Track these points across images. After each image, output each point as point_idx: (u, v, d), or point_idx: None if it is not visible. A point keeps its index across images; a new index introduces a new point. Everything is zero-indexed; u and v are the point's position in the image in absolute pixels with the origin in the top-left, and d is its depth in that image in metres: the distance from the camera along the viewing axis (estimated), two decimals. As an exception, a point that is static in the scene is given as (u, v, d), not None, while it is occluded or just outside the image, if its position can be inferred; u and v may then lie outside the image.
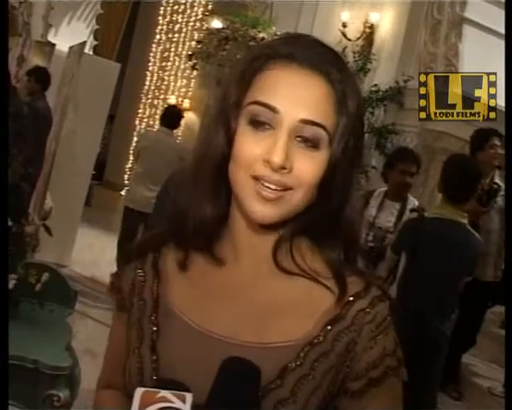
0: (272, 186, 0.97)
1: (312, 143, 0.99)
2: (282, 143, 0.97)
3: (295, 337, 1.01)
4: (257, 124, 0.99)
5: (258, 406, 0.91)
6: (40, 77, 6.70)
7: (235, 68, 1.07)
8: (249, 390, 0.90)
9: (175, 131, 6.58)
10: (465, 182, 3.89)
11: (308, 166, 0.99)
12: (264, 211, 0.99)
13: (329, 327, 1.02)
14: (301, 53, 1.01)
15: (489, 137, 4.84)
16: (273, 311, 1.03)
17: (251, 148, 0.99)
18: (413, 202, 4.67)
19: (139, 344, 1.07)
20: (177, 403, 0.86)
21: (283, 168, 0.97)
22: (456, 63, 6.93)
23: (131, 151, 8.57)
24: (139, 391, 0.87)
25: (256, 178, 0.98)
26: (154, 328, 1.06)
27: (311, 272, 1.05)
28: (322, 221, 1.05)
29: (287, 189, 0.98)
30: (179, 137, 9.05)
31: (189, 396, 0.86)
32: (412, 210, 4.43)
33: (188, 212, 1.07)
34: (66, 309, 3.12)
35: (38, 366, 2.57)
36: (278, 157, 0.96)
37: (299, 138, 0.99)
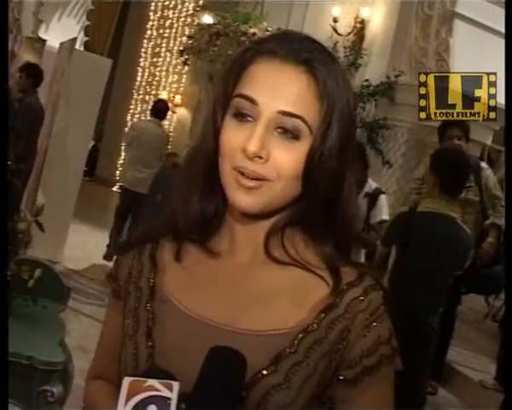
0: (248, 174, 1.00)
1: (292, 135, 1.01)
2: (259, 132, 1.00)
3: (290, 325, 1.02)
4: (240, 116, 1.02)
5: (241, 394, 0.93)
6: (32, 73, 6.69)
7: (225, 67, 1.10)
8: (234, 379, 0.91)
9: (162, 121, 7.89)
10: (459, 175, 3.91)
11: (287, 158, 1.01)
12: (244, 200, 1.01)
13: (323, 315, 1.03)
14: (284, 48, 1.04)
15: (447, 129, 4.61)
16: (267, 299, 1.05)
17: (233, 139, 1.02)
18: (370, 186, 4.66)
19: (135, 331, 1.08)
20: (164, 392, 0.87)
21: (259, 157, 1.00)
22: (447, 58, 6.94)
23: (124, 139, 9.14)
24: (127, 380, 0.88)
25: (236, 169, 1.01)
26: (150, 315, 1.08)
27: (303, 262, 1.07)
28: (314, 213, 1.06)
29: (263, 178, 1.01)
30: (171, 132, 9.89)
31: (175, 385, 0.87)
32: (367, 194, 4.43)
33: (181, 206, 1.10)
34: (59, 305, 3.13)
35: (32, 362, 2.57)
36: (253, 145, 0.99)
37: (279, 130, 1.01)
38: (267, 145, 1.00)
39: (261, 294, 1.05)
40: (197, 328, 1.04)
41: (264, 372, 0.99)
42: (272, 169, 1.00)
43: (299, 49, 1.04)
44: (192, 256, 1.11)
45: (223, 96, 1.06)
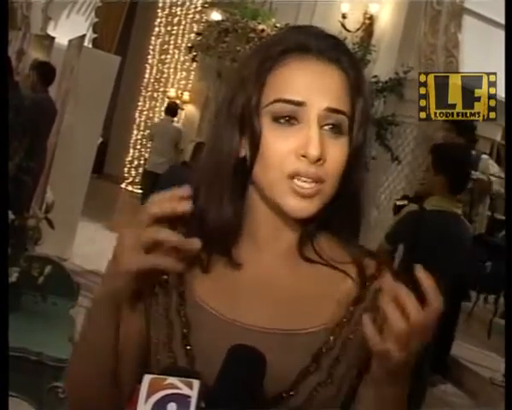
0: (309, 181, 0.99)
1: (338, 130, 1.01)
2: (316, 134, 0.98)
3: (323, 322, 1.03)
4: (283, 120, 1.00)
5: (261, 391, 0.92)
6: (44, 71, 6.68)
7: (246, 69, 1.06)
8: (253, 376, 0.91)
9: (175, 118, 10.32)
10: (467, 172, 3.90)
11: (336, 155, 1.01)
12: (301, 206, 1.00)
13: (352, 308, 1.04)
14: (314, 43, 1.02)
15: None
16: (298, 299, 1.05)
17: (282, 145, 0.99)
18: None
19: (169, 339, 1.06)
20: (185, 390, 0.86)
21: (319, 160, 0.98)
22: (457, 54, 6.92)
23: (147, 136, 11.63)
24: (147, 378, 0.87)
25: (290, 176, 0.99)
26: (184, 320, 1.05)
27: (329, 260, 1.07)
28: (344, 209, 1.07)
29: (321, 181, 1.00)
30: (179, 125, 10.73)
31: (196, 383, 0.86)
32: None
33: (207, 217, 1.06)
34: (69, 302, 3.13)
35: (42, 359, 2.58)
36: (315, 149, 0.97)
37: (326, 127, 1.01)
38: (322, 145, 0.99)
39: (291, 294, 1.05)
40: (233, 332, 1.02)
41: (309, 371, 1.00)
42: (327, 169, 1.00)
43: (328, 46, 1.03)
44: (216, 266, 1.08)
45: (255, 103, 1.02)
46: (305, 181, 0.99)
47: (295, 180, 0.99)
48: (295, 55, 1.02)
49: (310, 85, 1.00)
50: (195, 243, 0.96)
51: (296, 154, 0.99)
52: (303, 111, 0.99)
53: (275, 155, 1.00)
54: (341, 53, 1.04)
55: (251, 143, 1.03)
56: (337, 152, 1.01)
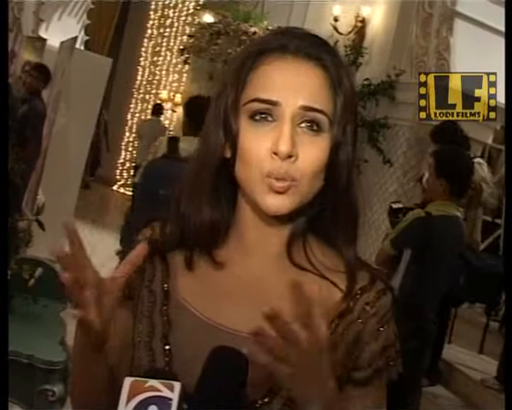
0: (281, 177, 0.98)
1: (315, 128, 1.01)
2: (287, 131, 0.98)
3: None
4: (259, 119, 1.00)
5: (244, 393, 0.92)
6: (40, 74, 6.67)
7: (229, 68, 1.08)
8: (236, 378, 0.91)
9: (161, 117, 11.49)
10: (467, 175, 3.93)
11: (313, 153, 1.00)
12: (276, 202, 0.99)
13: (336, 321, 1.03)
14: (293, 43, 1.03)
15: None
16: (282, 305, 1.03)
17: (259, 143, 1.00)
18: None
19: (150, 337, 1.06)
20: (166, 392, 0.86)
21: (290, 156, 0.98)
22: (448, 57, 6.95)
23: (135, 133, 12.51)
24: (128, 380, 0.87)
25: (269, 175, 0.99)
26: (165, 320, 1.06)
27: (320, 267, 1.06)
28: (328, 210, 1.05)
29: (294, 179, 0.99)
30: (171, 130, 10.99)
31: (177, 385, 0.87)
32: None
33: (189, 216, 1.07)
34: (60, 304, 3.12)
35: (33, 361, 2.57)
36: (285, 145, 0.97)
37: (302, 125, 1.00)
38: (295, 143, 0.99)
39: (275, 301, 1.01)
40: (214, 335, 1.01)
41: None
42: (301, 168, 0.99)
43: (307, 45, 1.03)
44: (201, 265, 1.08)
45: (232, 102, 1.03)
46: (278, 178, 0.98)
47: (270, 179, 0.99)
48: (274, 55, 1.02)
49: (285, 84, 1.00)
50: (143, 250, 0.98)
51: (270, 153, 0.99)
52: (278, 110, 0.99)
53: (252, 153, 1.00)
54: (323, 51, 1.03)
55: (230, 142, 1.03)
56: (314, 149, 1.00)
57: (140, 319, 1.09)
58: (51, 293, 3.08)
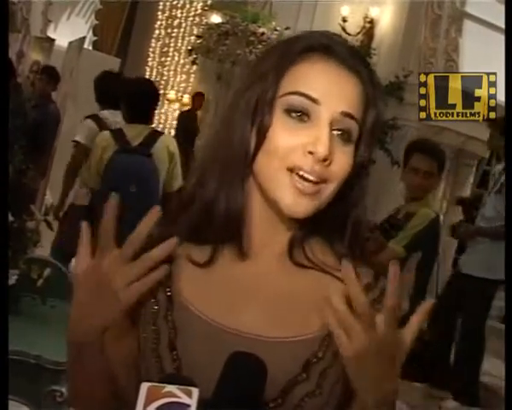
0: (311, 178, 0.97)
1: (347, 136, 1.00)
2: (326, 134, 0.97)
3: (314, 330, 1.01)
4: (295, 117, 0.99)
5: (262, 399, 0.91)
6: (51, 78, 6.69)
7: (263, 61, 1.05)
8: (254, 384, 0.90)
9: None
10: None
11: (343, 160, 1.00)
12: (298, 204, 0.98)
13: None
14: (338, 48, 1.02)
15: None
16: (289, 305, 1.03)
17: (289, 138, 0.98)
18: None
19: (156, 345, 1.04)
20: (184, 398, 0.84)
21: (325, 160, 0.97)
22: (457, 58, 6.93)
23: None
24: (145, 386, 0.85)
25: (292, 170, 0.98)
26: (171, 325, 1.03)
27: (321, 265, 1.05)
28: (335, 217, 1.05)
29: (322, 182, 0.98)
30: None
31: (195, 391, 0.85)
32: None
33: (216, 207, 1.04)
34: (68, 305, 3.11)
35: (41, 362, 2.56)
36: (324, 148, 0.96)
37: (337, 131, 1.00)
38: (331, 147, 0.98)
39: (282, 300, 1.03)
40: (221, 338, 1.00)
41: (297, 380, 0.98)
42: (332, 171, 0.99)
43: (350, 54, 1.03)
44: (215, 262, 1.06)
45: (270, 93, 1.01)
46: (307, 178, 0.97)
47: (296, 176, 0.98)
48: (319, 55, 1.01)
49: (328, 86, 1.00)
50: (173, 243, 0.98)
51: (303, 150, 0.97)
52: (317, 109, 0.98)
53: (280, 146, 0.98)
54: (361, 65, 1.03)
55: (258, 132, 1.01)
56: (344, 158, 1.00)
57: (144, 328, 1.06)
58: (59, 293, 3.07)
